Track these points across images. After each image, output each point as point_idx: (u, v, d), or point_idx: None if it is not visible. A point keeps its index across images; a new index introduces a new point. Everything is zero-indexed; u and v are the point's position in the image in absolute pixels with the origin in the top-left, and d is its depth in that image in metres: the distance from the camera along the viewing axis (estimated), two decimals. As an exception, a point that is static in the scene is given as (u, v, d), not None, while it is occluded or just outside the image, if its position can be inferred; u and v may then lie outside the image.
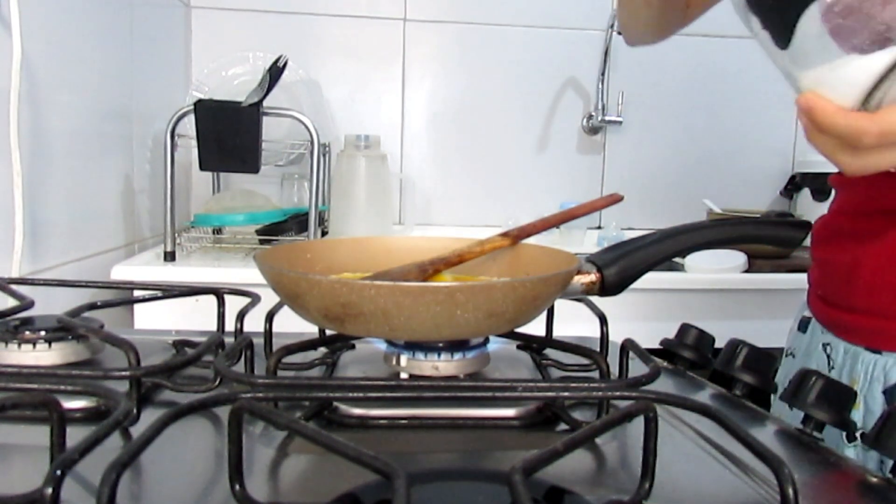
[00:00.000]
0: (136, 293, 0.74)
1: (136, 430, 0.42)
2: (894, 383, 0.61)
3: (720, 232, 0.59)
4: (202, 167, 1.21)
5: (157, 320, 1.09)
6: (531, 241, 0.61)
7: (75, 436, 0.32)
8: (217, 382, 0.49)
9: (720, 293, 1.26)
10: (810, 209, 1.63)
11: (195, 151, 1.20)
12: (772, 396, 0.72)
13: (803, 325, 0.76)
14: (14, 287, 0.62)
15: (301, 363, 0.54)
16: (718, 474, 0.39)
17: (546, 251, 0.59)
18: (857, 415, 0.63)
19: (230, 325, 0.58)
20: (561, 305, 0.58)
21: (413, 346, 0.51)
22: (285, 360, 0.49)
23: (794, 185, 1.72)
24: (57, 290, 0.71)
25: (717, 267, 1.27)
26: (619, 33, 1.51)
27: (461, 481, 0.32)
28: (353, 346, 0.59)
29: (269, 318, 0.56)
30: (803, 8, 0.41)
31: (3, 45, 0.86)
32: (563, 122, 1.72)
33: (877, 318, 0.63)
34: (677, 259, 1.32)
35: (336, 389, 0.41)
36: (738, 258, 1.29)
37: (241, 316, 0.57)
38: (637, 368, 0.48)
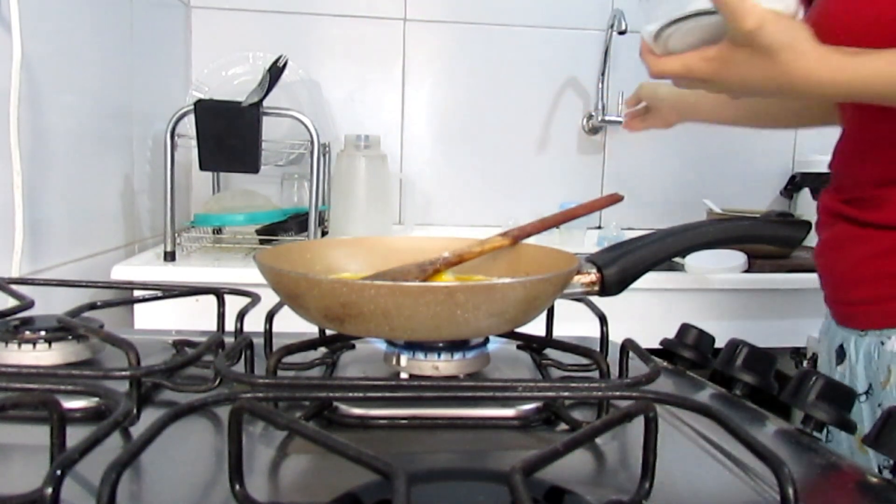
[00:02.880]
0: (136, 293, 0.74)
1: (136, 430, 0.42)
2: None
3: (720, 232, 0.59)
4: (202, 167, 1.21)
5: (157, 320, 1.09)
6: (531, 241, 0.61)
7: (75, 436, 0.32)
8: (217, 382, 0.49)
9: (720, 293, 1.26)
10: (810, 209, 1.62)
11: (195, 151, 1.20)
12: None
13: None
14: (14, 287, 0.62)
15: (301, 363, 0.54)
16: (718, 474, 0.39)
17: (546, 251, 0.59)
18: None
19: (230, 325, 0.58)
20: (561, 305, 0.58)
21: (413, 346, 0.51)
22: (285, 360, 0.49)
23: (794, 185, 1.72)
24: (57, 290, 0.71)
25: (717, 267, 1.27)
26: (620, 33, 1.53)
27: (461, 481, 0.32)
28: (353, 346, 0.59)
29: (269, 318, 0.56)
30: None
31: (3, 45, 0.85)
32: (563, 122, 1.72)
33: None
34: (677, 259, 1.32)
35: (336, 389, 0.41)
36: (738, 258, 1.29)
37: (241, 316, 0.57)
38: (637, 368, 0.48)
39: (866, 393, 0.72)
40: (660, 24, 0.65)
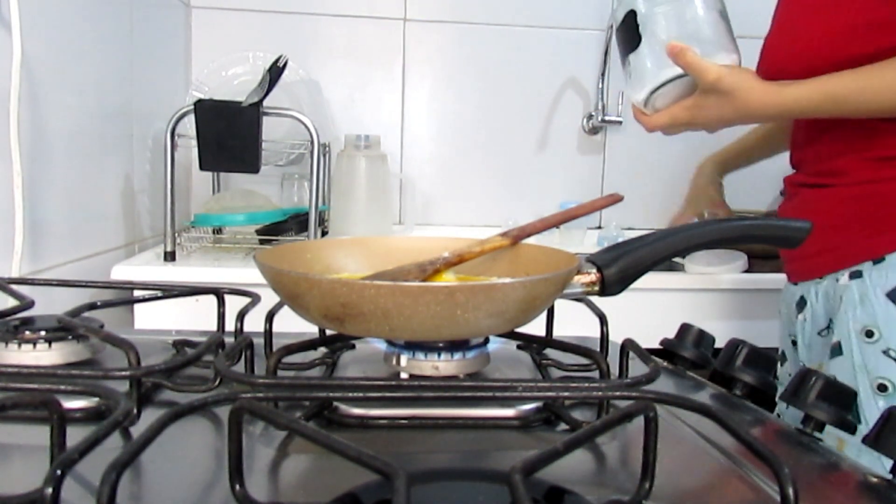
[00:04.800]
0: (136, 293, 0.74)
1: (136, 430, 0.42)
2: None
3: (720, 232, 0.59)
4: (202, 167, 1.21)
5: (157, 320, 1.09)
6: (531, 241, 0.61)
7: (75, 436, 0.32)
8: (217, 382, 0.49)
9: (720, 293, 1.26)
10: (810, 209, 1.63)
11: (195, 151, 1.20)
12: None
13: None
14: (14, 287, 0.62)
15: (301, 363, 0.54)
16: (718, 474, 0.39)
17: (546, 251, 0.59)
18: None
19: (230, 325, 0.58)
20: (561, 305, 0.58)
21: (413, 346, 0.51)
22: (285, 360, 0.49)
23: (794, 185, 1.72)
24: (57, 290, 0.71)
25: (717, 268, 1.27)
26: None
27: (461, 481, 0.32)
28: (353, 346, 0.59)
29: (269, 318, 0.56)
30: (624, 60, 0.93)
31: (3, 45, 0.85)
32: (563, 122, 1.72)
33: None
34: (677, 259, 1.32)
35: (336, 389, 0.41)
36: (737, 258, 1.29)
37: (241, 316, 0.57)
38: (637, 368, 0.48)
39: (827, 328, 0.88)
40: (647, 91, 0.89)
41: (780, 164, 1.77)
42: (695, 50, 0.83)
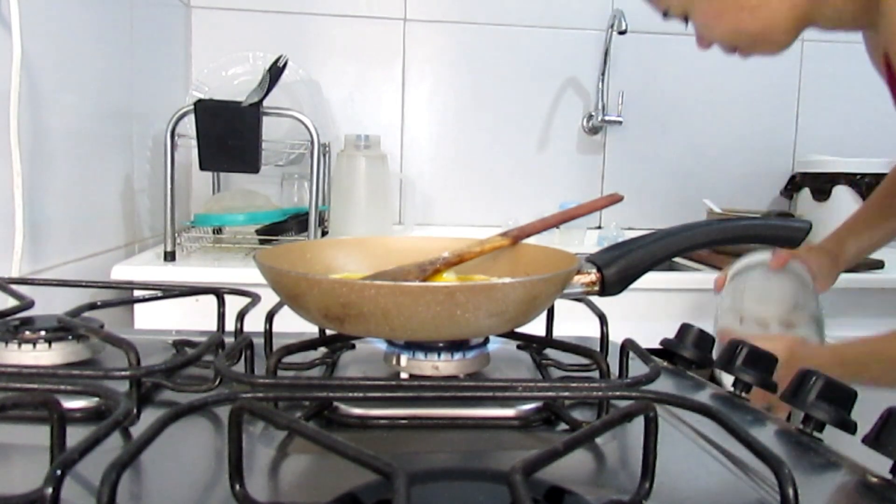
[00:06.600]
0: (137, 293, 0.74)
1: (136, 430, 0.42)
2: None
3: (720, 231, 0.59)
4: (202, 167, 1.21)
5: (157, 320, 1.09)
6: (531, 241, 0.61)
7: (75, 436, 0.32)
8: (217, 382, 0.49)
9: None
10: (810, 209, 1.63)
11: (195, 151, 1.20)
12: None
13: None
14: (14, 287, 0.63)
15: (301, 363, 0.54)
16: (718, 474, 0.39)
17: (546, 251, 0.59)
18: None
19: (230, 325, 0.58)
20: (561, 305, 0.58)
21: (413, 346, 0.51)
22: (285, 360, 0.49)
23: (794, 185, 1.72)
24: (57, 290, 0.71)
25: None
26: (621, 33, 1.53)
27: (461, 481, 0.32)
28: (353, 346, 0.59)
29: (269, 318, 0.56)
30: None
31: (3, 45, 0.85)
32: (563, 122, 1.72)
33: None
34: (677, 259, 1.32)
35: (336, 389, 0.41)
36: None
37: (241, 316, 0.57)
38: (637, 368, 0.48)
39: None
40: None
41: (780, 164, 1.78)
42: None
